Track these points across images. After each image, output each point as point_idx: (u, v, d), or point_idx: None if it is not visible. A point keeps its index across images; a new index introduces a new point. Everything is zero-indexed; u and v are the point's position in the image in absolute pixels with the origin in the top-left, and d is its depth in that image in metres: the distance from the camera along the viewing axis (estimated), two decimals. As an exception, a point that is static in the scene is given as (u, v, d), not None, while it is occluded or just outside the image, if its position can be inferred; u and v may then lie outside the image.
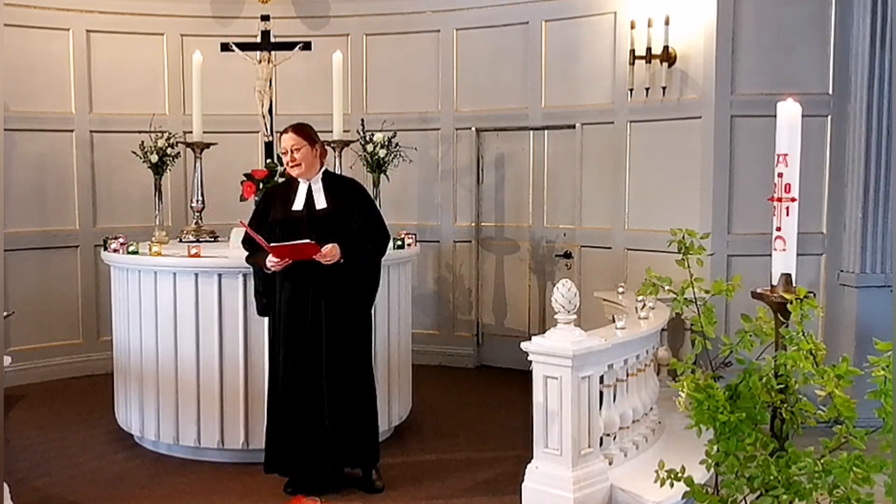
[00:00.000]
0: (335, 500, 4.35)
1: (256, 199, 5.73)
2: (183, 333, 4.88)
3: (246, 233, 4.47)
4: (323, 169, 4.53)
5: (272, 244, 4.24)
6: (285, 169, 4.58)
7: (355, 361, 4.43)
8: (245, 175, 5.78)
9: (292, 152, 4.41)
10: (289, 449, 4.40)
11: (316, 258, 4.23)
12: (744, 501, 2.90)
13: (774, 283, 3.19)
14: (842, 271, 5.85)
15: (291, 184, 4.52)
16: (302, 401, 4.35)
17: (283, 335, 4.38)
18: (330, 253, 4.24)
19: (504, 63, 7.04)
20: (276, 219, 4.42)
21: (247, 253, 4.54)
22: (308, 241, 4.20)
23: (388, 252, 4.83)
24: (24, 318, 6.58)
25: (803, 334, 2.90)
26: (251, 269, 4.74)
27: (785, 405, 2.96)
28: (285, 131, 4.48)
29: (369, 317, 4.63)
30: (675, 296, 3.21)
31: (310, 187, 4.44)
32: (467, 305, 7.36)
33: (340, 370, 4.37)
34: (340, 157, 5.97)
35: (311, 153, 4.45)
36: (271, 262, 4.28)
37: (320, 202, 4.42)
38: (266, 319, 4.64)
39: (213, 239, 5.76)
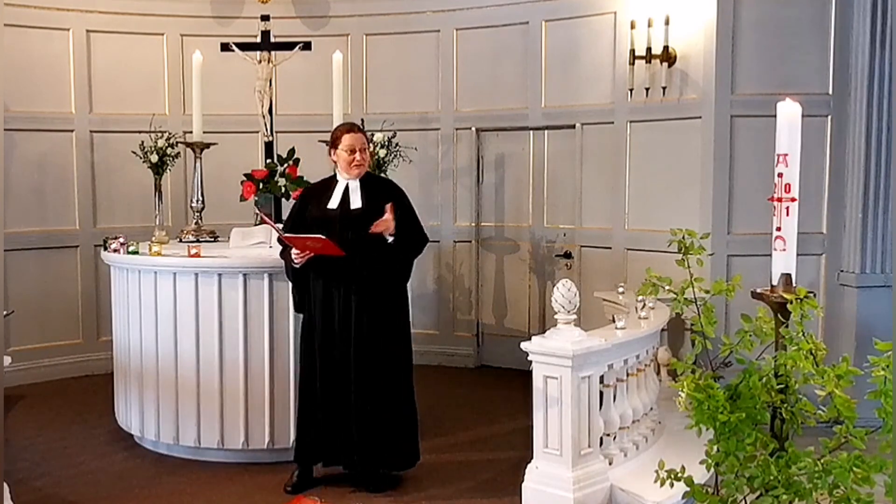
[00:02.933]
0: (335, 500, 4.35)
1: (256, 198, 5.75)
2: (183, 333, 4.88)
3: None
4: None
5: (286, 234, 4.30)
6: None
7: (389, 361, 4.42)
8: (245, 175, 5.78)
9: (360, 152, 4.44)
10: (318, 443, 4.43)
11: (374, 229, 4.25)
12: (744, 501, 2.90)
13: (774, 283, 3.19)
14: (842, 271, 5.85)
15: (330, 182, 4.54)
16: (332, 397, 4.37)
17: (318, 330, 4.40)
18: (385, 224, 4.26)
19: (504, 63, 7.04)
20: (312, 216, 4.43)
21: (281, 249, 4.56)
22: (319, 236, 4.20)
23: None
24: (24, 318, 6.58)
25: (803, 334, 2.90)
26: (251, 269, 4.77)
27: (785, 405, 2.95)
28: (350, 130, 4.48)
29: (407, 320, 4.60)
30: (675, 296, 3.20)
31: (347, 187, 4.46)
32: (467, 305, 7.36)
33: (371, 369, 4.37)
34: (340, 157, 5.97)
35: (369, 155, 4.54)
36: (294, 254, 4.33)
37: (356, 202, 4.42)
38: (266, 318, 4.69)
39: (213, 239, 5.76)
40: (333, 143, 4.50)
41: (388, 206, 4.30)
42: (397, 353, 4.47)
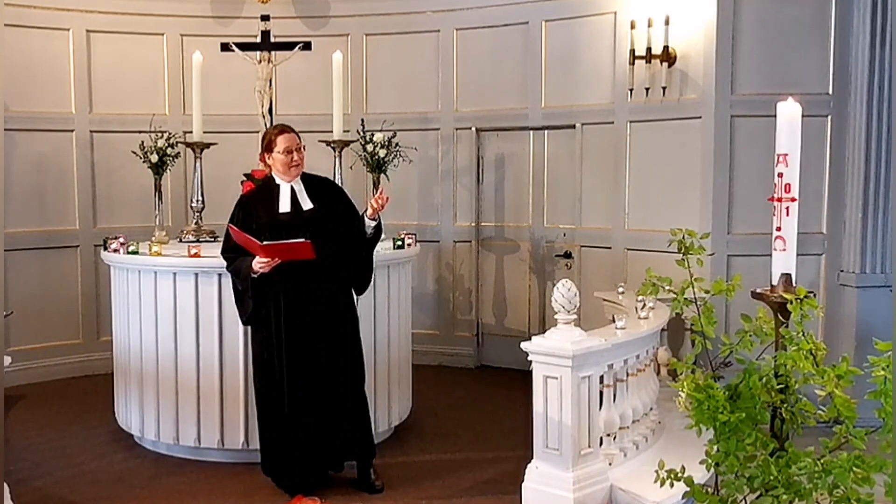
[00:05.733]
0: (335, 500, 4.35)
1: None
2: (183, 333, 4.88)
3: (227, 243, 4.42)
4: None
5: (265, 243, 4.19)
6: (260, 171, 4.58)
7: (352, 358, 4.48)
8: (245, 175, 5.78)
9: (297, 152, 4.42)
10: (288, 449, 4.40)
11: (379, 208, 4.33)
12: (744, 501, 2.90)
13: (774, 283, 3.19)
14: (842, 271, 5.85)
15: (270, 187, 4.50)
16: (304, 401, 4.35)
17: (286, 336, 4.35)
18: (382, 200, 4.36)
19: (504, 63, 7.04)
20: (262, 223, 4.37)
21: (226, 262, 4.46)
22: (303, 240, 4.18)
23: (388, 252, 4.89)
24: (24, 318, 6.58)
25: (803, 334, 2.90)
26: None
27: (785, 405, 2.96)
28: (282, 132, 4.44)
29: (355, 307, 4.63)
30: (675, 296, 3.21)
31: (292, 189, 4.45)
32: (467, 305, 7.36)
33: (340, 368, 4.40)
34: (340, 157, 5.97)
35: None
36: (259, 263, 4.22)
37: (305, 203, 4.42)
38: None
39: (213, 239, 5.75)
40: (268, 147, 4.46)
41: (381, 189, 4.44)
42: (357, 347, 4.55)
